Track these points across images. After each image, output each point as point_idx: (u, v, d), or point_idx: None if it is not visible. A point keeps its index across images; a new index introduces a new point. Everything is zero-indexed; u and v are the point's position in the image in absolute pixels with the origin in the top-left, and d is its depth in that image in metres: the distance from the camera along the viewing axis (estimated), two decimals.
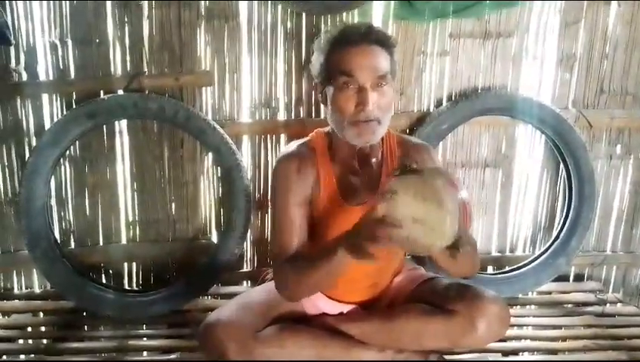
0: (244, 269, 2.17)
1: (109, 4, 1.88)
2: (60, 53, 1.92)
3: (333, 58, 1.39)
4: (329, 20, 1.95)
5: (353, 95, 1.36)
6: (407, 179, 1.16)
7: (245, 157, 2.05)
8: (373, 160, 1.47)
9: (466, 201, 1.13)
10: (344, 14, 1.95)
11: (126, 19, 1.91)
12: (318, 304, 1.60)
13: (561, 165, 2.14)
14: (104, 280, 2.10)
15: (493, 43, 2.04)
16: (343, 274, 1.34)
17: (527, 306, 2.10)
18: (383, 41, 1.40)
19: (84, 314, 1.98)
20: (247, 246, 2.14)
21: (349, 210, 1.44)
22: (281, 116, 2.05)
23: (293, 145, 1.54)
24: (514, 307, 2.04)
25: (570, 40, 2.06)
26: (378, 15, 1.98)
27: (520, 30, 2.04)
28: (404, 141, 1.56)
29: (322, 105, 1.48)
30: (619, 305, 2.10)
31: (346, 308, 1.61)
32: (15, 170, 2.00)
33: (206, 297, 2.08)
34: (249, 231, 2.04)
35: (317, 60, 1.45)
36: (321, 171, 1.48)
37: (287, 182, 1.47)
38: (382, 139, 1.49)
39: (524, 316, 2.00)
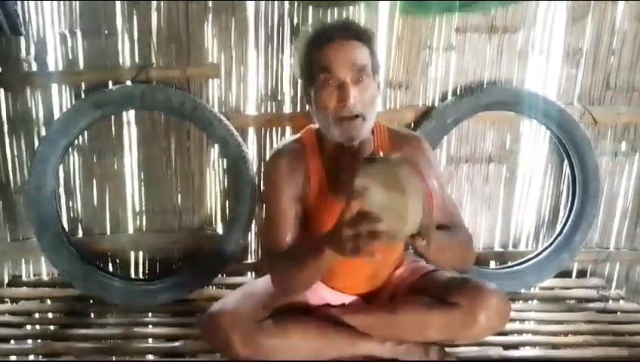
0: (249, 260, 2.19)
1: None
2: (69, 43, 1.94)
3: (312, 56, 1.40)
4: (335, 13, 1.96)
5: (334, 91, 1.36)
6: (373, 167, 1.18)
7: (251, 149, 2.06)
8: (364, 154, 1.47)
9: (433, 191, 1.14)
10: (350, 8, 1.95)
11: (134, 11, 1.92)
12: (320, 294, 1.62)
13: (566, 161, 2.13)
14: (111, 269, 2.13)
15: (500, 37, 2.03)
16: (332, 266, 1.35)
17: (530, 301, 2.10)
18: (360, 35, 1.39)
19: (91, 301, 2.01)
20: (252, 237, 2.16)
21: (339, 205, 1.44)
22: (287, 109, 2.06)
23: (285, 141, 1.57)
24: (516, 302, 2.05)
25: (576, 35, 2.05)
26: (385, 9, 1.98)
27: (526, 25, 2.03)
28: (394, 133, 1.56)
29: (307, 105, 1.49)
30: (621, 301, 2.10)
31: (348, 299, 1.63)
32: (24, 159, 2.03)
33: (210, 287, 2.10)
34: (254, 222, 2.06)
35: (297, 61, 1.47)
36: (312, 167, 1.49)
37: (278, 178, 1.49)
38: (373, 132, 1.50)
39: (526, 311, 2.00)
